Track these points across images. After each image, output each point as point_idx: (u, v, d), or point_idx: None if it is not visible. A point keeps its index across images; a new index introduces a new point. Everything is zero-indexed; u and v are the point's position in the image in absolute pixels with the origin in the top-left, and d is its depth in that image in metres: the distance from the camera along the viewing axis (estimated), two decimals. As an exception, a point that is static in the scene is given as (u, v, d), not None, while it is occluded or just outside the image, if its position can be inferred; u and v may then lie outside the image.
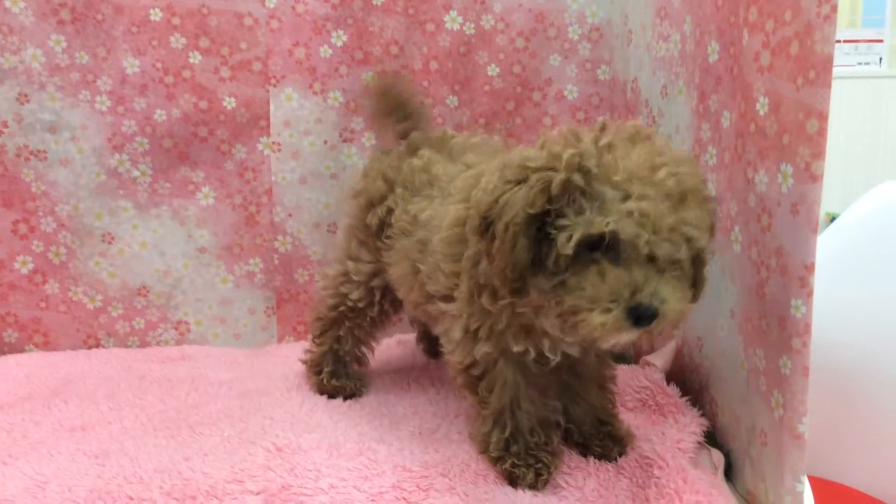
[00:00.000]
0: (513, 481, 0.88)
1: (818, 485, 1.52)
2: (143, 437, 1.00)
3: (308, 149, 1.34)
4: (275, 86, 1.32)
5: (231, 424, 1.03)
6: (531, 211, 0.76)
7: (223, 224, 1.35)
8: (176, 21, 1.27)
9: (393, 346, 1.35)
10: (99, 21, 1.26)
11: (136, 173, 1.31)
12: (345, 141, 1.35)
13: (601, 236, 0.74)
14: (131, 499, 0.84)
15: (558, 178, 0.76)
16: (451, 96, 1.36)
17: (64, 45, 1.25)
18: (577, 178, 0.76)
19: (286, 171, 1.34)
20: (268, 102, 1.32)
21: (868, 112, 2.89)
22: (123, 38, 1.26)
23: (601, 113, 1.39)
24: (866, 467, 1.54)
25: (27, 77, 1.25)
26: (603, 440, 0.95)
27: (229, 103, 1.31)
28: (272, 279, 1.38)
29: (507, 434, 0.90)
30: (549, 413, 0.93)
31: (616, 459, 0.93)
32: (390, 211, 1.04)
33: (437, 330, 0.98)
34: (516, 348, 0.88)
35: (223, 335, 1.39)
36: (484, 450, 0.92)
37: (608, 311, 0.74)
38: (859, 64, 2.94)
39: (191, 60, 1.29)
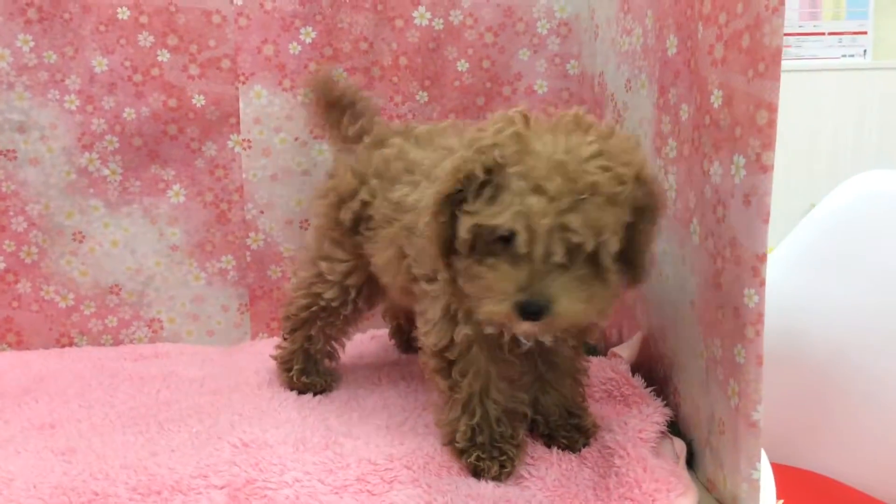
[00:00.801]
0: (477, 473, 0.89)
1: (792, 474, 1.54)
2: (111, 433, 1.00)
3: (279, 146, 1.35)
4: (244, 83, 1.32)
5: (200, 420, 1.04)
6: (441, 192, 0.81)
7: (194, 222, 1.36)
8: (144, 19, 1.27)
9: (366, 341, 1.36)
10: (66, 20, 1.26)
11: (106, 172, 1.31)
12: (315, 138, 1.36)
13: (495, 228, 0.77)
14: (96, 494, 0.85)
15: (466, 165, 0.79)
16: (420, 92, 1.36)
17: (31, 44, 1.26)
18: (478, 168, 0.79)
19: (257, 168, 1.35)
20: (237, 100, 1.33)
21: (853, 104, 2.91)
22: (91, 36, 1.26)
23: (571, 107, 1.39)
24: (841, 457, 1.55)
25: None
26: (569, 431, 0.96)
27: (199, 101, 1.31)
28: (245, 276, 1.39)
29: (474, 422, 0.91)
30: (517, 405, 0.94)
31: (580, 450, 0.94)
32: (365, 204, 1.05)
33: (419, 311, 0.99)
34: (489, 330, 0.88)
35: (196, 333, 1.39)
36: (450, 440, 0.93)
37: (500, 302, 0.77)
38: (844, 56, 2.95)
39: (159, 58, 1.29)
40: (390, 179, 1.02)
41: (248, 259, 1.38)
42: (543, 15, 1.37)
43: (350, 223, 1.06)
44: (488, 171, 0.79)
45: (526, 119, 0.85)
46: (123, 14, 1.27)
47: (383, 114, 1.35)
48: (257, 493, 0.85)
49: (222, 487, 0.86)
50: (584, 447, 0.94)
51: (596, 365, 1.14)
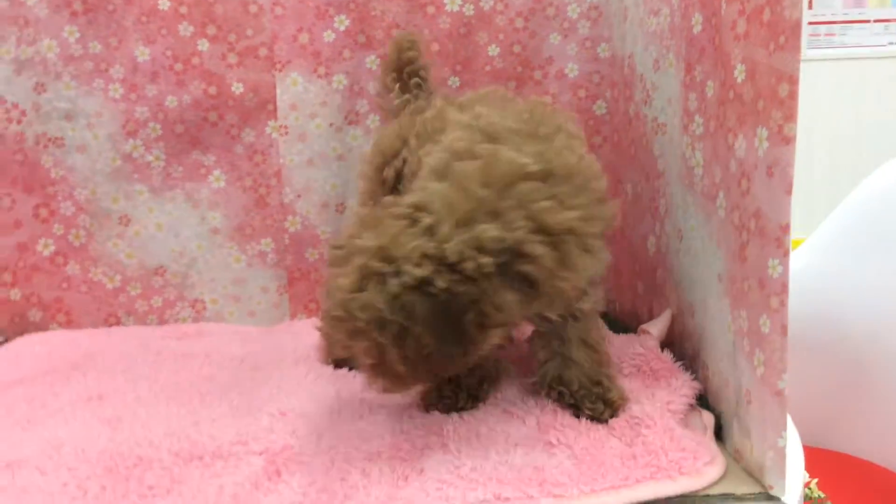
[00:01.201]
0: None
1: (828, 457, 1.54)
2: (155, 405, 1.04)
3: (314, 131, 1.39)
4: (280, 70, 1.36)
5: (239, 394, 1.08)
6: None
7: (234, 206, 1.40)
8: (183, 10, 1.32)
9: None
10: (110, 11, 1.31)
11: (149, 158, 1.36)
12: (350, 123, 1.39)
13: None
14: (141, 459, 0.89)
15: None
16: (452, 77, 1.39)
17: (77, 35, 1.31)
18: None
19: (294, 153, 1.39)
20: (274, 87, 1.36)
21: (898, 91, 2.89)
22: (134, 27, 1.31)
23: (602, 90, 1.41)
24: (877, 440, 1.55)
25: (43, 67, 1.31)
26: (594, 402, 0.97)
27: (237, 88, 1.36)
28: (283, 259, 1.43)
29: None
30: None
31: (606, 421, 0.96)
32: (405, 161, 1.07)
33: None
34: None
35: (238, 313, 1.44)
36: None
37: None
38: (891, 44, 2.92)
39: (199, 48, 1.33)
40: (425, 138, 1.04)
41: (287, 242, 1.42)
42: (574, -1, 1.39)
43: (392, 181, 1.10)
44: None
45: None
46: (164, 5, 1.31)
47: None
48: (294, 459, 0.88)
49: (261, 453, 0.90)
50: (610, 418, 0.96)
51: (625, 341, 1.15)
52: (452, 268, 0.83)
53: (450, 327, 0.84)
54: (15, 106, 1.31)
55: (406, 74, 1.19)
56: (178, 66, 1.33)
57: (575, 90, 1.41)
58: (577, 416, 0.96)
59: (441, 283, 0.82)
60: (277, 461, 0.88)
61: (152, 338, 1.32)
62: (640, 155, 1.23)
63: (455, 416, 0.96)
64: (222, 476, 0.86)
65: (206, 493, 0.82)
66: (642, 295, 1.27)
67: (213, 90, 1.35)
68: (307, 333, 1.35)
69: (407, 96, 1.18)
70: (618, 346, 1.15)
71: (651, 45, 1.17)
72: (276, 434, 0.93)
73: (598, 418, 0.96)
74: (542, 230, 0.87)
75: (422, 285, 0.82)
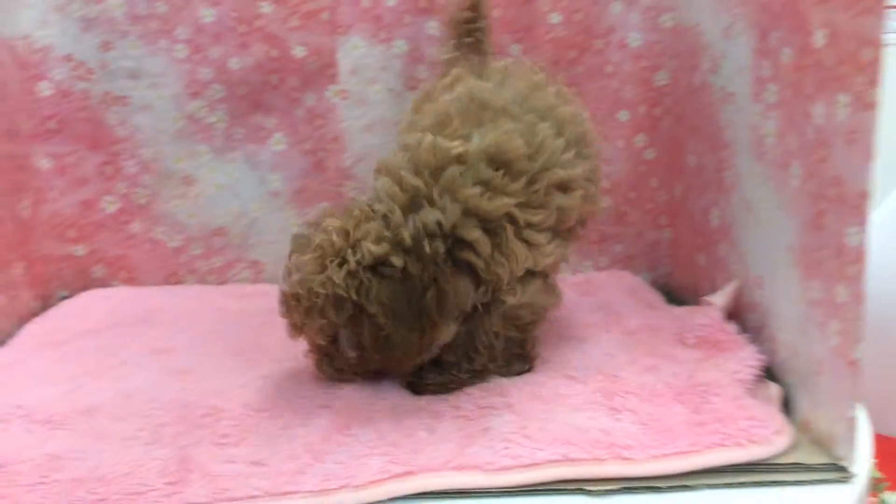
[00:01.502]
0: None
1: (892, 443, 1.52)
2: (221, 359, 1.06)
3: (374, 96, 1.39)
4: (342, 34, 1.36)
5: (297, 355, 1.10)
6: None
7: (294, 169, 1.41)
8: (249, -29, 1.33)
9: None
10: (177, -29, 1.32)
11: (212, 119, 1.37)
12: (409, 89, 1.39)
13: None
14: (212, 409, 0.91)
15: None
16: (513, 45, 1.38)
17: (144, -5, 1.32)
18: None
19: (353, 118, 1.39)
20: (335, 51, 1.37)
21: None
22: (200, -13, 1.32)
23: (664, 60, 1.39)
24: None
25: (110, 26, 1.32)
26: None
27: (299, 52, 1.36)
28: (340, 223, 1.43)
29: None
30: None
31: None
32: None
33: None
34: None
35: (295, 275, 1.45)
36: None
37: None
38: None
39: (262, 10, 1.34)
40: (423, 101, 1.07)
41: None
42: (638, -33, 1.37)
43: None
44: None
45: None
46: (230, -34, 1.32)
47: (476, 66, 1.38)
48: (360, 415, 0.89)
49: (328, 407, 0.91)
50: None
51: (688, 312, 1.15)
52: (409, 251, 0.87)
53: (408, 308, 0.87)
54: (82, 63, 1.33)
55: (462, 32, 1.19)
56: (242, 28, 1.34)
57: (636, 60, 1.40)
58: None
59: (397, 261, 0.87)
60: (346, 415, 0.89)
61: (213, 296, 1.34)
62: (705, 126, 1.22)
63: (517, 379, 0.97)
64: (292, 428, 0.87)
65: (278, 443, 0.84)
66: (703, 268, 1.26)
67: (275, 53, 1.35)
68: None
69: (457, 54, 1.18)
70: (680, 316, 1.15)
71: (721, 12, 1.15)
72: (341, 391, 0.94)
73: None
74: (475, 215, 0.89)
75: (379, 265, 0.87)
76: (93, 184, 1.37)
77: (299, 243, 0.92)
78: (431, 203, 0.88)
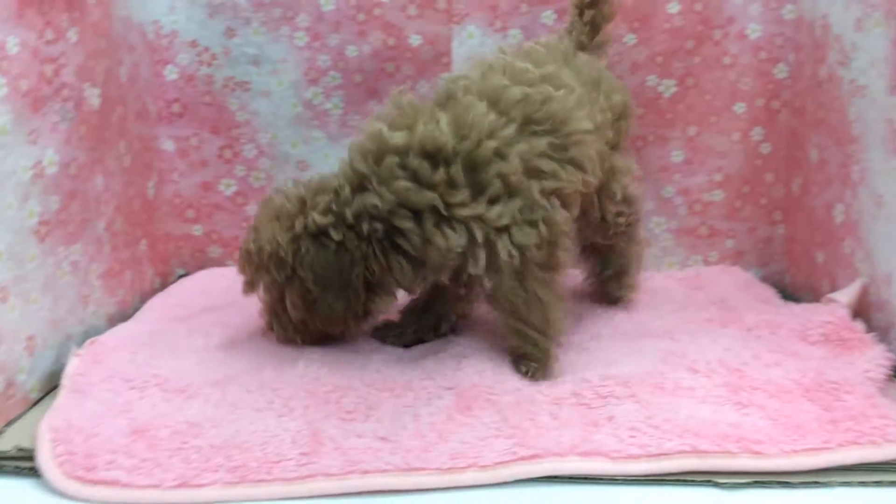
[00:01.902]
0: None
1: None
2: (339, 344, 1.08)
3: (487, 85, 1.39)
4: (458, 23, 1.37)
5: (417, 337, 1.11)
6: None
7: (405, 156, 1.42)
8: (370, -41, 1.35)
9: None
10: (301, -40, 1.35)
11: (328, 106, 1.40)
12: (523, 78, 1.39)
13: None
14: (336, 386, 0.93)
15: None
16: (629, 34, 1.37)
17: (269, -18, 1.36)
18: None
19: (466, 106, 1.40)
20: (451, 40, 1.38)
21: None
22: (321, -25, 1.35)
23: (785, 53, 1.36)
24: None
25: (234, 12, 1.36)
26: None
27: (415, 40, 1.37)
28: (448, 211, 1.44)
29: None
30: None
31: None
32: None
33: None
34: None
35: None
36: None
37: None
38: None
39: (382, -2, 1.36)
40: None
41: (452, 195, 1.43)
42: (761, -43, 1.34)
43: None
44: None
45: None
46: (351, -45, 1.34)
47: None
48: (482, 396, 0.90)
49: (450, 389, 0.92)
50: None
51: (811, 309, 1.12)
52: (350, 227, 0.96)
53: (337, 279, 0.96)
54: (206, 49, 1.37)
55: (581, 14, 1.20)
56: (361, 17, 1.36)
57: (755, 52, 1.37)
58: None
59: (336, 235, 0.96)
60: (467, 397, 0.90)
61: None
62: (831, 119, 1.19)
63: (640, 369, 0.96)
64: (414, 406, 0.89)
65: (403, 421, 0.85)
66: (822, 265, 1.23)
67: (391, 41, 1.37)
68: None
69: (572, 34, 1.20)
70: (800, 313, 1.12)
71: (853, 3, 1.12)
72: (462, 372, 0.95)
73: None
74: (405, 206, 0.95)
75: (320, 234, 0.96)
76: (212, 166, 1.41)
77: (266, 204, 1.03)
78: (372, 188, 0.96)
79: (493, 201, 0.95)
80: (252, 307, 1.15)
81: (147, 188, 1.30)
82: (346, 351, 1.04)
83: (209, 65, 1.38)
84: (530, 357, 0.98)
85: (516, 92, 0.99)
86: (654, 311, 1.20)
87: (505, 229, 0.95)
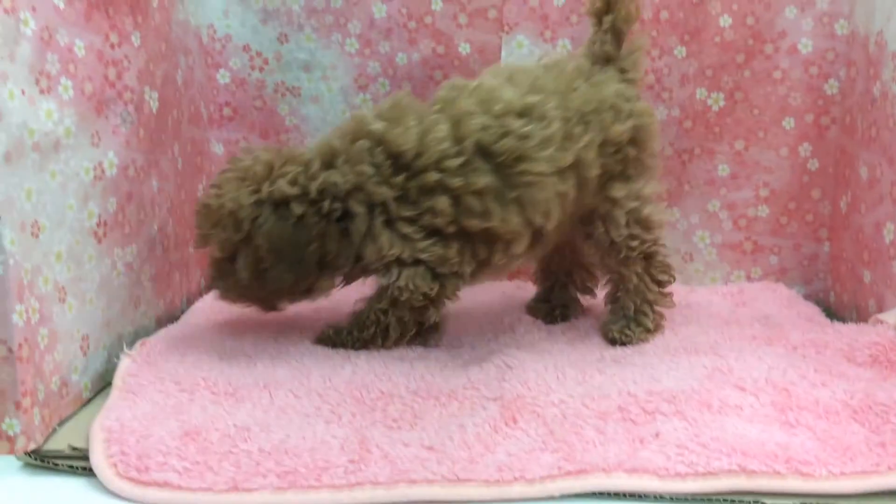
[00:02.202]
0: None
1: None
2: (385, 350, 1.09)
3: (535, 95, 1.39)
4: (507, 32, 1.37)
5: (460, 345, 1.12)
6: None
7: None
8: (421, -32, 1.36)
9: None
10: (353, -32, 1.36)
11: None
12: (570, 88, 1.39)
13: None
14: (382, 393, 0.94)
15: None
16: (679, 46, 1.36)
17: (322, -11, 1.37)
18: None
19: (512, 115, 1.40)
20: (500, 48, 1.38)
21: None
22: (374, -17, 1.36)
23: (836, 68, 1.35)
24: None
25: (288, 18, 1.37)
26: None
27: (464, 49, 1.38)
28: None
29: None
30: None
31: None
32: None
33: None
34: None
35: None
36: None
37: None
38: None
39: (433, 7, 1.36)
40: None
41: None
42: (815, -29, 1.33)
43: None
44: None
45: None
46: (404, -38, 1.36)
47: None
48: (527, 408, 0.90)
49: (495, 399, 0.92)
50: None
51: (857, 330, 1.11)
52: (312, 202, 0.99)
53: (291, 252, 0.99)
54: (258, 54, 1.39)
55: (600, 22, 1.16)
56: (412, 25, 1.37)
57: (806, 67, 1.36)
58: None
59: (297, 209, 0.99)
60: (512, 408, 0.90)
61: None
62: (884, 137, 1.17)
63: (686, 385, 0.96)
64: (460, 416, 0.89)
65: (449, 430, 0.86)
66: (869, 285, 1.21)
67: (441, 49, 1.38)
68: (511, 294, 1.39)
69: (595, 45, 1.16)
70: (847, 333, 1.11)
71: (910, 21, 1.11)
72: (507, 383, 0.96)
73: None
74: (363, 191, 0.99)
75: (282, 204, 0.99)
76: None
77: (233, 162, 1.05)
78: (338, 166, 1.00)
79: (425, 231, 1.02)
80: (298, 310, 1.17)
81: (198, 191, 1.32)
82: (391, 357, 1.05)
83: (261, 70, 1.40)
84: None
85: (477, 122, 1.02)
86: (699, 327, 1.20)
87: (417, 263, 1.02)
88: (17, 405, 0.79)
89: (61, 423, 0.89)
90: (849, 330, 1.13)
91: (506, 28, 1.37)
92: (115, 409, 0.89)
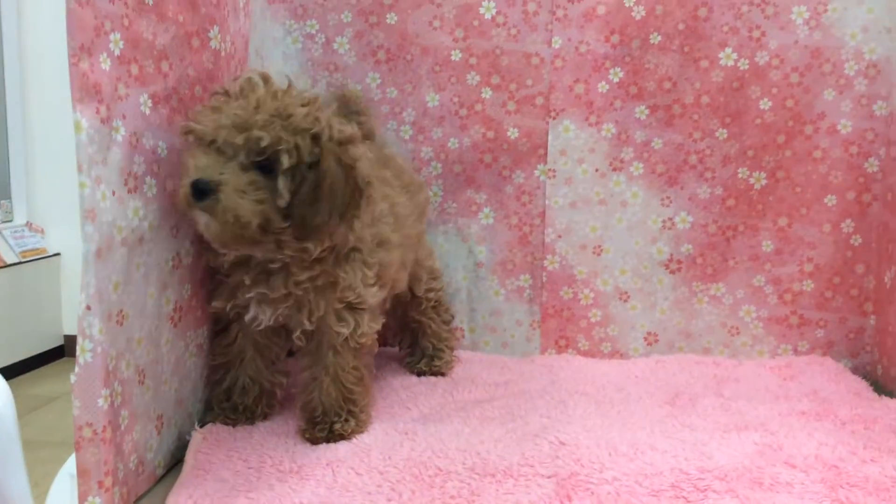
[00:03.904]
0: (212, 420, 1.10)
1: None
2: (440, 421, 1.13)
3: (580, 176, 1.45)
4: (554, 118, 1.44)
5: (512, 419, 1.15)
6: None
7: (499, 242, 1.49)
8: (473, 61, 1.43)
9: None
10: (408, 61, 1.44)
11: (429, 194, 1.48)
12: (614, 170, 1.45)
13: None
14: (440, 469, 0.98)
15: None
16: (720, 129, 1.41)
17: (378, 81, 1.45)
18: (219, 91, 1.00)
19: (559, 196, 1.46)
20: (547, 133, 1.45)
21: None
22: (427, 75, 1.44)
23: (876, 147, 1.39)
24: None
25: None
26: (322, 430, 1.07)
27: (513, 133, 1.45)
28: (539, 295, 1.50)
29: (223, 388, 1.12)
30: (270, 384, 1.14)
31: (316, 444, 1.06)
32: None
33: None
34: (215, 304, 1.08)
35: (493, 343, 1.52)
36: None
37: (183, 184, 0.94)
38: None
39: (483, 95, 1.44)
40: None
41: (544, 279, 1.49)
42: (852, 56, 1.37)
43: None
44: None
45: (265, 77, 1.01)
46: (456, 56, 1.43)
47: (680, 149, 1.42)
48: (581, 486, 0.93)
49: (549, 477, 0.95)
50: (328, 442, 1.06)
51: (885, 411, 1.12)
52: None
53: (339, 201, 0.99)
54: (317, 142, 1.47)
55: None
56: (463, 112, 1.45)
57: (846, 147, 1.40)
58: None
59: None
60: (567, 486, 0.93)
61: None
62: (925, 216, 1.20)
63: (736, 462, 0.98)
64: (515, 494, 0.92)
65: (506, 509, 0.89)
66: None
67: (490, 134, 1.45)
68: (559, 367, 1.42)
69: None
70: (885, 418, 1.13)
71: (946, 104, 1.15)
72: (561, 461, 0.99)
73: (315, 442, 1.06)
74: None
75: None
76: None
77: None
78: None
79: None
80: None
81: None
82: (447, 432, 1.08)
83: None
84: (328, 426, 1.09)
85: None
86: (748, 402, 1.22)
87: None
88: (100, 484, 0.84)
89: (137, 500, 0.94)
90: (883, 413, 1.14)
91: (553, 114, 1.44)
92: (187, 486, 0.94)
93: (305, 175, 0.97)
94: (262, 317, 1.06)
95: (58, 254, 2.61)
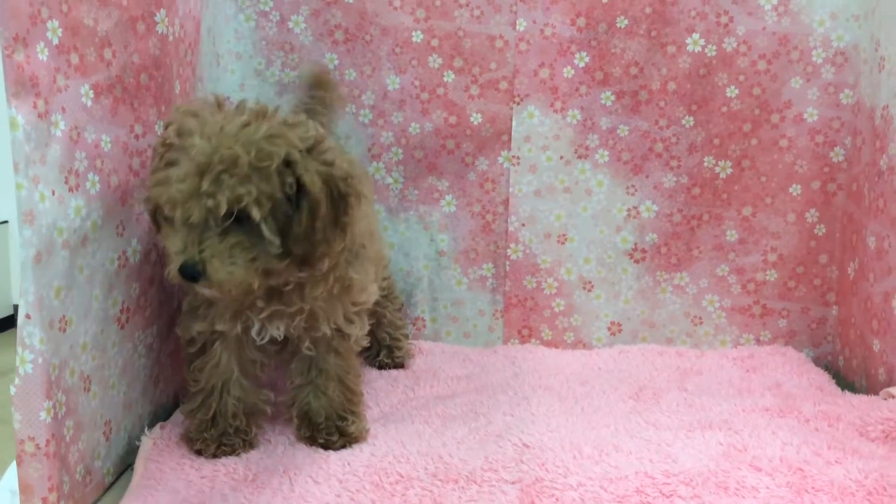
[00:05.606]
0: (199, 452, 1.00)
1: None
2: (401, 421, 1.11)
3: (545, 163, 1.42)
4: (518, 103, 1.40)
5: (475, 418, 1.13)
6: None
7: (462, 230, 1.45)
8: (434, 42, 1.38)
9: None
10: (367, 42, 1.39)
11: (389, 180, 1.44)
12: (579, 157, 1.42)
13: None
14: (402, 476, 0.95)
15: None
16: (686, 116, 1.39)
17: (336, 62, 1.40)
18: (159, 146, 0.90)
19: (523, 183, 1.43)
20: (511, 119, 1.41)
21: None
22: (387, 57, 1.39)
23: (842, 136, 1.37)
24: None
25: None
26: (331, 434, 1.03)
27: (476, 119, 1.41)
28: (502, 284, 1.47)
29: (209, 416, 1.01)
30: (259, 402, 1.05)
31: (337, 450, 1.01)
32: None
33: None
34: (219, 326, 0.99)
35: (455, 333, 1.49)
36: (187, 431, 1.03)
37: (171, 265, 0.87)
38: None
39: (445, 79, 1.39)
40: None
41: (507, 268, 1.46)
42: (820, 44, 1.35)
43: None
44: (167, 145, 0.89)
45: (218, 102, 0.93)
46: (417, 37, 1.38)
47: (646, 137, 1.39)
48: (546, 492, 0.91)
49: (513, 483, 0.93)
50: (341, 448, 1.02)
51: (868, 403, 1.13)
52: None
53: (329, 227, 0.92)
54: (273, 126, 1.42)
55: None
56: (424, 96, 1.40)
57: (812, 135, 1.38)
58: (310, 445, 1.03)
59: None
60: (531, 492, 0.91)
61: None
62: (892, 209, 1.19)
63: (702, 466, 0.96)
64: (479, 501, 0.90)
65: (471, 518, 0.87)
66: (879, 354, 1.23)
67: (453, 119, 1.41)
68: (522, 359, 1.40)
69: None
70: (858, 405, 1.13)
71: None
72: (525, 465, 0.97)
73: (328, 447, 1.02)
74: None
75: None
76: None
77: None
78: None
79: None
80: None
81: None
82: (408, 434, 1.06)
83: (275, 140, 1.42)
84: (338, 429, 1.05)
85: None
86: (711, 397, 1.21)
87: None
88: (44, 501, 0.80)
89: (85, 510, 0.90)
90: (860, 402, 1.14)
91: (517, 99, 1.40)
92: (137, 496, 0.90)
93: (287, 210, 0.89)
94: (275, 332, 1.00)
95: (6, 221, 2.50)
